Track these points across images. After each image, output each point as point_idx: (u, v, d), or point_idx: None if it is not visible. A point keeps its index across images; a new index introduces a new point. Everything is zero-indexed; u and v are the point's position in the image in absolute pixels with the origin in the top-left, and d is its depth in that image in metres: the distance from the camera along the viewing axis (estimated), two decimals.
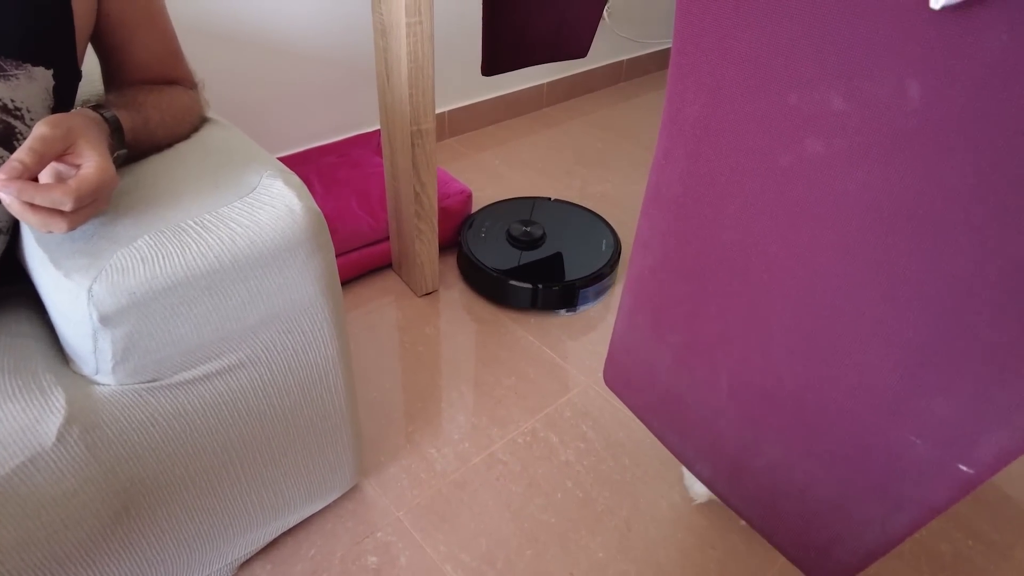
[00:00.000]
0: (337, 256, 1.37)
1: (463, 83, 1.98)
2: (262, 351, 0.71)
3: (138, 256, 0.59)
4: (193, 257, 0.61)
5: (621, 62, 2.44)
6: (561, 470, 1.05)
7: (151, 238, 0.60)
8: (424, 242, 1.31)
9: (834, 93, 0.44)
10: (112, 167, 0.57)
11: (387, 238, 1.43)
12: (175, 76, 0.81)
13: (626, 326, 0.64)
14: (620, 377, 0.67)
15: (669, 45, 2.63)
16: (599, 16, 1.46)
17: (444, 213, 1.45)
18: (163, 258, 0.60)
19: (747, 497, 0.57)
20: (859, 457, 0.49)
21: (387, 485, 1.01)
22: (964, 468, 0.45)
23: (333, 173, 1.56)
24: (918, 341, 0.46)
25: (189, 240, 0.62)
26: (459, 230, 1.49)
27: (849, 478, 0.50)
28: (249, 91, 1.54)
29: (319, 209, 0.70)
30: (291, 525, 0.92)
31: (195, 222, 0.63)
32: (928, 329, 0.45)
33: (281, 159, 1.61)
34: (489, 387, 1.18)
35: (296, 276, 0.69)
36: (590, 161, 1.96)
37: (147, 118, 0.72)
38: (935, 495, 0.46)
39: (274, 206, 0.66)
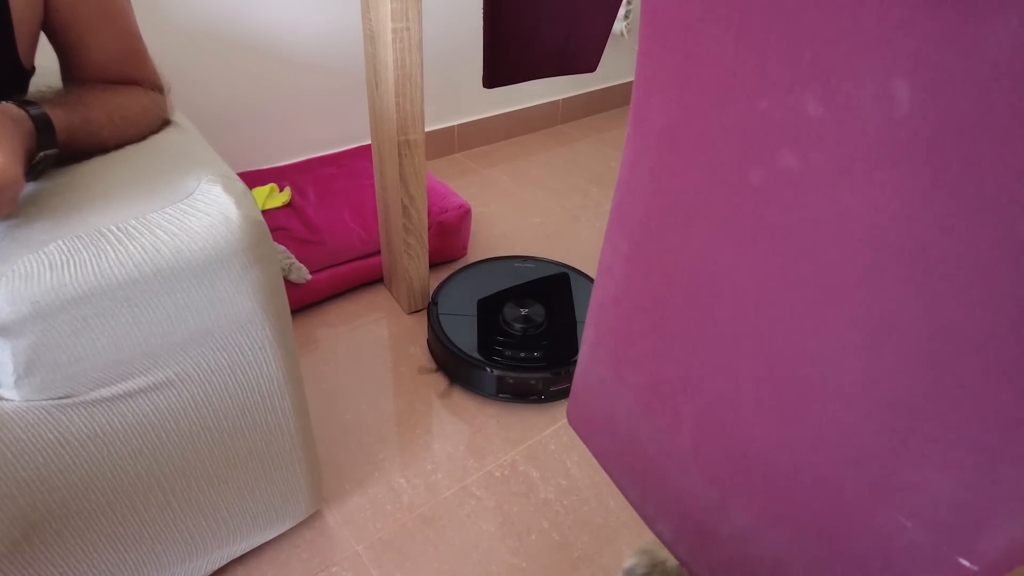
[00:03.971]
0: (327, 268, 1.32)
1: (474, 96, 1.93)
2: (193, 369, 0.65)
3: (46, 262, 0.54)
4: (110, 265, 0.56)
5: None
6: (539, 509, 0.97)
7: (65, 243, 0.55)
8: (413, 257, 1.25)
9: (809, 96, 0.36)
10: (14, 168, 0.52)
11: (379, 252, 1.38)
12: (136, 77, 0.77)
13: (588, 360, 0.57)
14: (581, 417, 0.60)
15: None
16: (608, 30, 1.40)
17: (440, 228, 1.40)
18: (75, 265, 0.55)
19: (712, 568, 0.49)
20: (837, 535, 0.41)
21: (350, 515, 0.95)
22: (965, 563, 0.36)
23: (329, 184, 1.52)
24: (910, 400, 0.38)
25: (107, 247, 0.56)
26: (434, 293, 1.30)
27: (824, 559, 0.42)
28: (250, 99, 1.52)
29: (261, 218, 0.65)
30: (240, 554, 0.85)
31: (117, 227, 0.58)
32: (922, 386, 0.37)
33: (280, 169, 1.58)
34: (470, 414, 1.11)
35: (230, 290, 0.63)
36: (603, 181, 1.89)
37: (90, 118, 0.67)
38: None
39: (208, 213, 0.61)
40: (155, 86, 0.79)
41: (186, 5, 1.34)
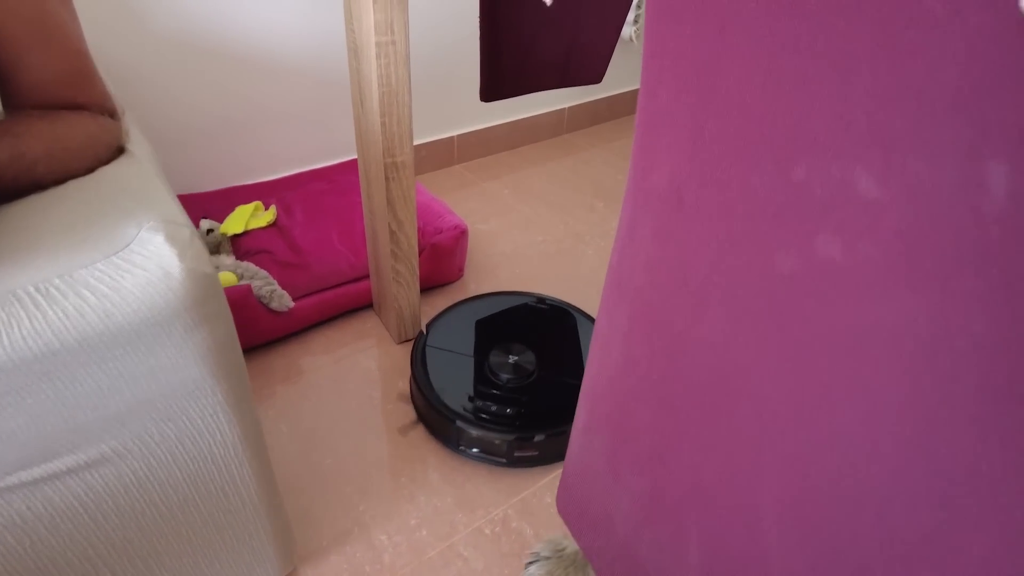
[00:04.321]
0: (313, 294, 1.24)
1: (475, 105, 1.85)
2: (132, 443, 0.57)
3: None
4: (23, 336, 0.48)
5: None
6: None
7: None
8: (402, 285, 1.17)
9: (862, 170, 0.28)
10: None
11: (369, 276, 1.30)
12: (81, 101, 0.69)
13: (580, 446, 0.48)
14: (572, 508, 0.51)
15: None
16: (615, 40, 1.31)
17: (434, 251, 1.32)
18: None
19: None
20: None
21: None
22: None
23: (319, 201, 1.44)
24: (979, 553, 0.29)
25: (21, 313, 0.48)
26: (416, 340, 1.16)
27: None
28: (236, 110, 1.44)
29: (211, 270, 0.57)
30: None
31: (36, 288, 0.50)
32: (995, 547, 0.28)
33: (268, 184, 1.50)
34: (459, 461, 1.03)
35: (173, 356, 0.55)
36: (610, 194, 1.80)
37: (23, 151, 0.59)
38: None
39: (146, 268, 0.53)
40: (105, 110, 0.71)
41: (165, 12, 1.26)
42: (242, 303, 1.13)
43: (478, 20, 1.14)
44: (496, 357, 1.10)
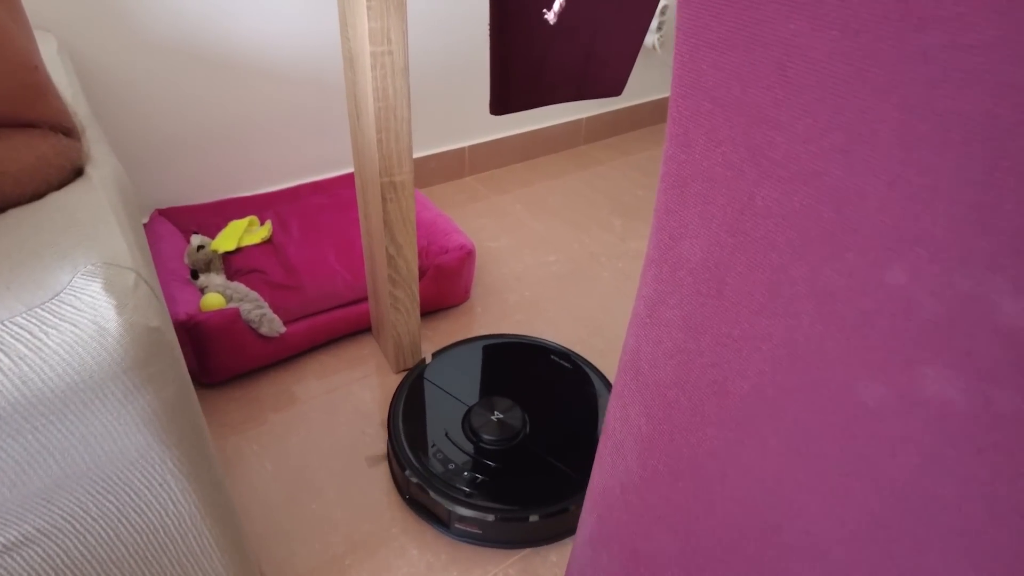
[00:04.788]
0: (307, 317, 1.16)
1: (487, 115, 1.77)
2: (64, 521, 0.49)
3: None
4: None
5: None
6: None
7: None
8: (401, 312, 1.08)
9: (1007, 284, 0.19)
10: None
11: (367, 298, 1.22)
12: (32, 117, 0.61)
13: (585, 559, 0.40)
14: None
15: None
16: (637, 49, 1.22)
17: (438, 272, 1.23)
18: None
19: None
20: None
21: None
22: None
23: (316, 217, 1.37)
24: None
25: None
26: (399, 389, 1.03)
27: None
28: (232, 119, 1.37)
29: (157, 323, 0.49)
30: None
31: None
32: None
33: (265, 196, 1.43)
34: None
35: (109, 423, 0.47)
36: (628, 211, 1.70)
37: None
38: None
39: (75, 323, 0.45)
40: (60, 128, 0.64)
41: (154, 16, 1.19)
42: (229, 328, 1.06)
43: (488, 26, 1.06)
44: (479, 411, 0.98)
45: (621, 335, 1.28)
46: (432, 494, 0.87)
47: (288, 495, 0.95)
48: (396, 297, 1.06)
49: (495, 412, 0.97)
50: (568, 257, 1.51)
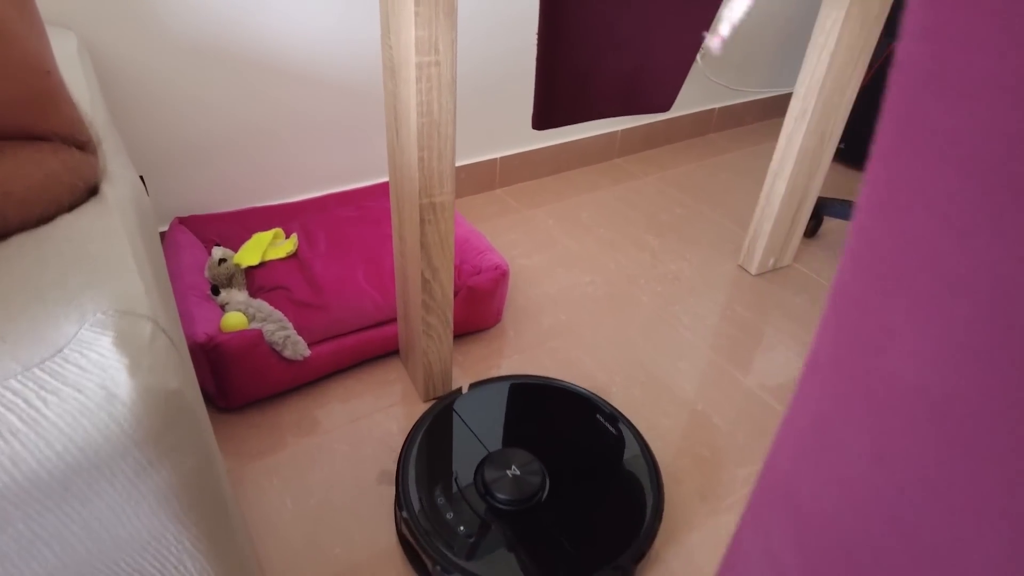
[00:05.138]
0: (332, 339, 1.09)
1: (520, 125, 1.69)
2: None
3: None
4: None
5: (712, 111, 2.10)
6: None
7: None
8: (434, 339, 1.01)
9: None
10: None
11: (396, 318, 1.15)
12: (42, 129, 0.55)
13: None
14: None
15: (769, 94, 2.29)
16: (690, 62, 1.14)
17: (470, 293, 1.16)
18: None
19: None
20: None
21: None
22: None
23: (345, 231, 1.30)
24: None
25: None
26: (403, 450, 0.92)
27: None
28: (259, 122, 1.30)
29: (177, 384, 0.41)
30: None
31: None
32: None
33: (291, 206, 1.36)
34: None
35: (118, 504, 0.40)
36: (664, 229, 1.62)
37: None
38: None
39: (80, 388, 0.38)
40: (73, 141, 0.57)
41: (182, 15, 1.13)
42: (251, 351, 0.99)
43: (536, 37, 0.98)
44: (496, 462, 0.87)
45: (662, 373, 1.20)
46: (420, 541, 0.79)
47: (309, 537, 0.87)
48: (429, 323, 0.99)
49: (512, 467, 0.88)
50: (604, 278, 1.43)
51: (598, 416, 0.98)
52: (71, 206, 0.55)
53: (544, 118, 1.08)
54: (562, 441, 0.94)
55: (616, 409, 0.99)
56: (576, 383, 1.05)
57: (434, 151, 0.82)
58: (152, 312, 0.43)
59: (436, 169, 0.83)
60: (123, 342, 0.40)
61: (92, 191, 0.57)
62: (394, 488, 0.92)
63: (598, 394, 1.05)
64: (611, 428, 0.96)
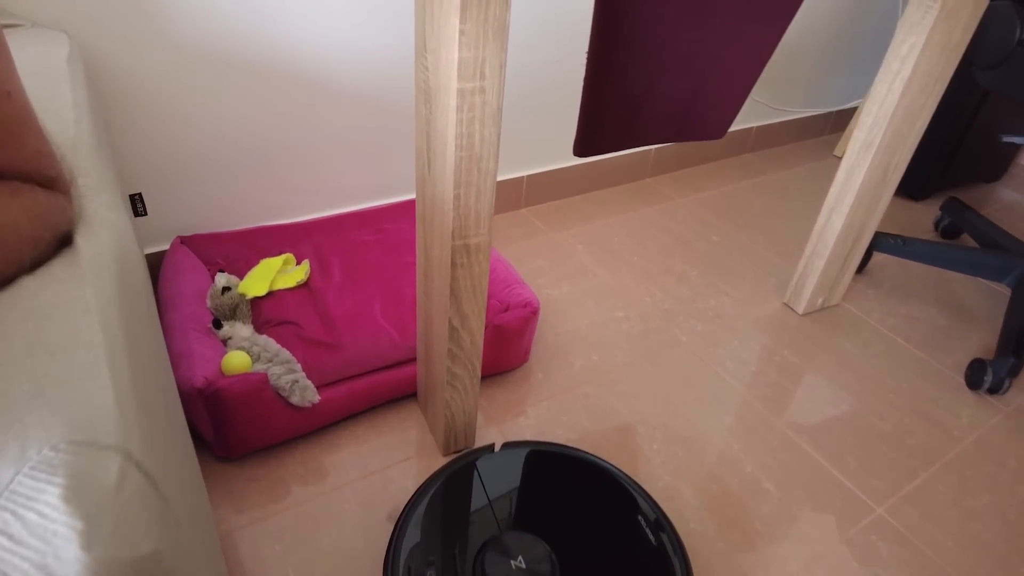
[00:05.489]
0: (345, 381, 0.98)
1: (548, 142, 1.58)
2: None
3: None
4: None
5: (749, 130, 1.98)
6: None
7: None
8: (458, 389, 0.90)
9: None
10: None
11: (415, 359, 1.04)
12: (1, 165, 0.44)
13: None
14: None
15: (809, 113, 2.17)
16: (750, 87, 1.03)
17: (497, 333, 1.05)
18: None
19: None
20: None
21: None
22: None
23: (362, 256, 1.19)
24: None
25: None
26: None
27: None
28: (273, 134, 1.20)
29: (152, 544, 0.30)
30: None
31: None
32: None
33: (303, 225, 1.25)
34: None
35: None
36: (701, 259, 1.51)
37: None
38: None
39: (9, 570, 0.27)
40: (39, 178, 0.46)
41: (189, 17, 1.02)
42: (255, 397, 0.88)
43: (586, 56, 0.87)
44: (502, 547, 0.76)
45: (706, 428, 1.09)
46: None
47: None
48: (454, 374, 0.88)
49: (519, 558, 0.75)
50: (639, 313, 1.32)
51: (639, 518, 0.84)
52: (34, 264, 0.44)
53: (588, 144, 0.97)
54: (589, 538, 0.81)
55: (663, 514, 0.83)
56: (618, 461, 0.94)
57: (472, 188, 0.71)
58: (123, 439, 0.32)
59: (473, 208, 0.73)
60: (77, 494, 0.29)
61: (63, 241, 0.47)
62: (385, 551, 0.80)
63: (645, 488, 0.92)
64: (651, 536, 0.82)
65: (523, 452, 0.91)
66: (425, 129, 0.74)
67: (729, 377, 1.18)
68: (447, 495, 0.83)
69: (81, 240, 0.47)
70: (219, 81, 1.09)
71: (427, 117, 0.73)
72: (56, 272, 0.43)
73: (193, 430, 0.94)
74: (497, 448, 0.90)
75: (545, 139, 1.56)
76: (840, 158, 2.08)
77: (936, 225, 1.75)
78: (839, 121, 2.24)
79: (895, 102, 1.08)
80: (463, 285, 0.79)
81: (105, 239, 0.49)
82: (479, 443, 1.01)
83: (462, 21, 0.59)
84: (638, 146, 1.02)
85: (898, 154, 1.17)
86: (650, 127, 1.00)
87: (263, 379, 0.89)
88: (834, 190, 1.24)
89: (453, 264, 0.76)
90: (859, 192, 1.19)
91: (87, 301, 0.41)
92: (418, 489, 0.83)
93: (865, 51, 2.10)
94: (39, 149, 0.47)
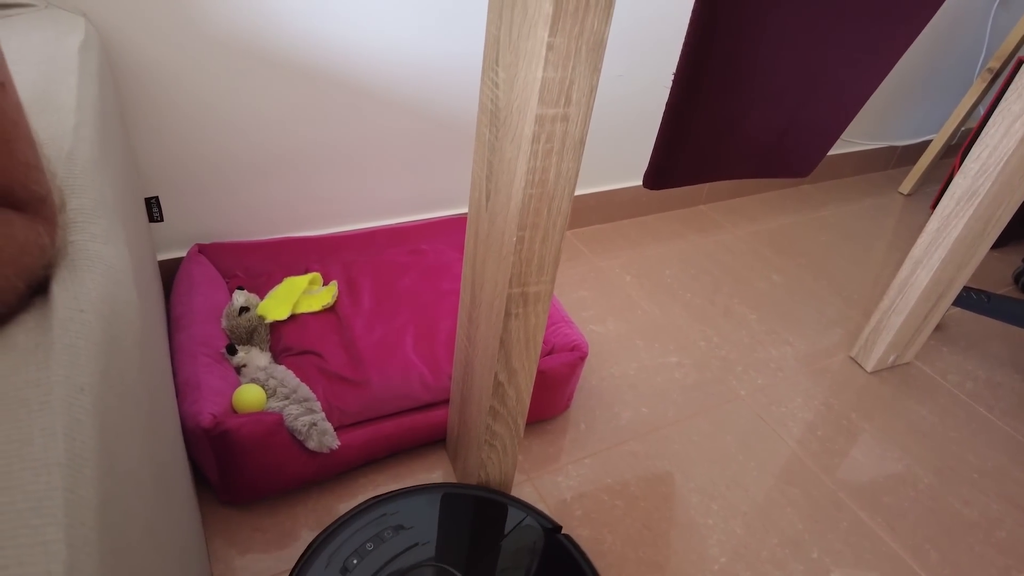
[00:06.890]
0: (367, 423, 0.88)
1: (600, 162, 1.47)
2: None
3: None
4: None
5: None
6: None
7: None
8: (497, 450, 0.79)
9: None
10: None
11: (447, 401, 0.93)
12: None
13: None
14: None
15: (874, 146, 2.03)
16: (849, 120, 0.90)
17: (540, 377, 0.93)
18: None
19: None
20: None
21: None
22: None
23: (394, 281, 1.08)
24: None
25: None
26: None
27: None
28: (306, 137, 1.09)
29: None
30: None
31: None
32: None
33: (333, 239, 1.15)
34: None
35: None
36: (761, 300, 1.38)
37: None
38: None
39: None
40: (26, 197, 0.36)
41: (223, 7, 0.92)
42: (267, 440, 0.78)
43: (671, 85, 0.76)
44: None
45: (768, 502, 0.96)
46: None
47: None
48: (495, 432, 0.77)
49: None
50: (694, 360, 1.19)
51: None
52: (16, 298, 0.34)
53: (662, 176, 0.85)
54: None
55: None
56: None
57: (539, 231, 0.59)
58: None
59: (538, 253, 0.61)
60: None
61: (35, 287, 0.37)
62: None
63: None
64: None
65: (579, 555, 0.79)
66: (487, 156, 0.63)
67: (792, 442, 1.06)
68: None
69: (57, 291, 0.36)
70: (254, 78, 0.99)
71: (491, 142, 0.61)
72: (17, 339, 0.33)
73: (195, 469, 0.84)
74: (564, 529, 0.79)
75: (597, 158, 1.45)
76: (906, 195, 1.93)
77: (1016, 278, 1.60)
78: (905, 155, 2.09)
79: (1011, 148, 0.95)
80: (515, 337, 0.68)
81: (90, 287, 0.38)
82: None
83: (551, 34, 0.48)
84: (718, 180, 0.91)
85: (1004, 206, 1.04)
86: (734, 161, 0.88)
87: (278, 420, 0.79)
88: (923, 241, 1.10)
89: (507, 314, 0.65)
90: (953, 246, 1.06)
91: (52, 399, 0.30)
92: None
93: (941, 86, 1.96)
94: (27, 160, 0.37)
